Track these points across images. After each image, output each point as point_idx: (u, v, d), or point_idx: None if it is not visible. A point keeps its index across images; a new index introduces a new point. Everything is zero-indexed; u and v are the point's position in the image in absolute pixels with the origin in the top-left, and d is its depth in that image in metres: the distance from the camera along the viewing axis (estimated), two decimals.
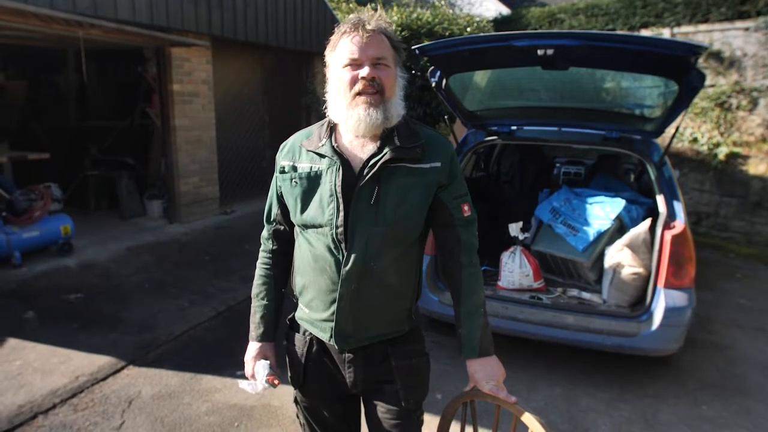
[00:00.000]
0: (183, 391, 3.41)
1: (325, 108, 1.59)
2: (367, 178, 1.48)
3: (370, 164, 1.49)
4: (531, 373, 3.67)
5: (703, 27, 8.35)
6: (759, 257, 6.59)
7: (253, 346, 1.73)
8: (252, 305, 1.76)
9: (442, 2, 9.10)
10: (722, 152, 7.23)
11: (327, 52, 1.55)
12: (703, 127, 7.61)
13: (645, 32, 8.72)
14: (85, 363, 3.64)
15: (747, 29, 8.11)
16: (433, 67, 3.46)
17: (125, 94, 7.68)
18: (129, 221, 6.69)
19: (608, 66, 3.25)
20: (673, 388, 3.55)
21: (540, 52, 2.86)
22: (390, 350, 1.61)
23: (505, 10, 12.03)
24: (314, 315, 1.61)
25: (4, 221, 5.01)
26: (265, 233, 1.77)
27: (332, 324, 1.55)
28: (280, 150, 1.68)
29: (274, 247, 1.75)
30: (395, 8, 8.15)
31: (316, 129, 1.63)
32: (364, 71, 1.46)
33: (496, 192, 5.18)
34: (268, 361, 1.69)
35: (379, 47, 1.48)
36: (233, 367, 3.67)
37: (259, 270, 1.76)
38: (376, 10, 1.56)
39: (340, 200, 1.49)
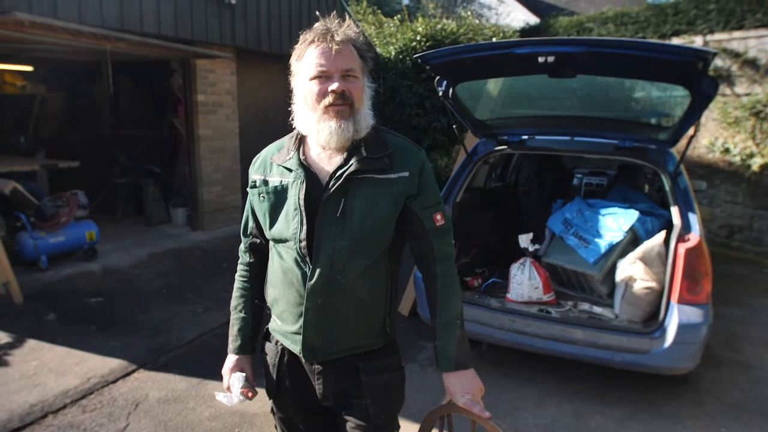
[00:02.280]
0: (188, 396, 3.46)
1: (292, 119, 1.57)
2: (332, 190, 1.46)
3: (336, 176, 1.48)
4: (539, 389, 3.58)
5: (737, 34, 8.05)
6: None
7: (230, 359, 1.72)
8: (231, 318, 1.76)
9: (469, 13, 9.08)
10: (756, 163, 6.94)
11: (292, 61, 1.53)
12: (736, 137, 7.32)
13: (676, 40, 8.47)
14: (98, 365, 3.74)
15: None
16: (439, 77, 3.44)
17: (156, 104, 7.91)
18: (154, 228, 6.87)
19: (616, 73, 3.16)
20: (691, 408, 3.40)
21: (540, 59, 2.80)
22: (361, 365, 1.58)
23: (533, 20, 11.91)
24: (285, 327, 1.60)
25: (32, 226, 5.21)
26: (242, 246, 1.77)
27: (301, 337, 1.54)
28: (252, 164, 1.67)
29: (251, 260, 1.75)
30: (420, 19, 8.18)
31: (287, 141, 1.62)
32: (334, 85, 1.44)
33: (512, 202, 5.10)
34: (244, 374, 1.69)
35: (348, 58, 1.46)
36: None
37: (237, 283, 1.77)
38: (343, 20, 1.54)
39: (304, 214, 1.48)
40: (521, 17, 12.84)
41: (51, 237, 5.31)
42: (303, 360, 1.59)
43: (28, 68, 7.67)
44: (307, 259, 1.48)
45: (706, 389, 3.62)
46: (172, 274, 5.54)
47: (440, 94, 3.55)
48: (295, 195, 1.50)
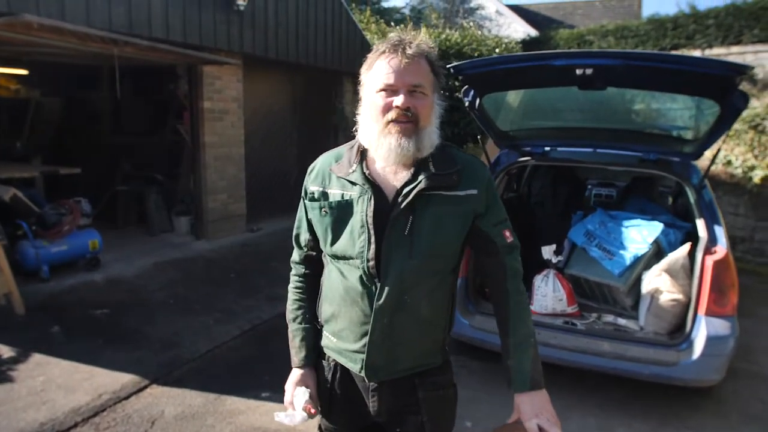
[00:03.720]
0: (206, 412, 3.35)
1: (356, 129, 1.53)
2: (401, 207, 1.42)
3: (404, 193, 1.43)
4: (564, 402, 3.52)
5: (735, 49, 8.20)
6: None
7: (294, 373, 1.65)
8: (289, 330, 1.69)
9: (471, 24, 9.12)
10: (757, 175, 7.02)
11: (362, 71, 1.50)
12: (736, 149, 7.42)
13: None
14: (108, 381, 3.61)
15: None
16: (467, 87, 3.41)
17: (158, 111, 7.82)
18: (156, 237, 6.75)
19: (648, 86, 3.16)
20: (715, 420, 3.38)
21: (579, 71, 2.79)
22: (418, 381, 1.55)
23: (532, 32, 12.03)
24: (343, 345, 1.55)
25: (34, 235, 5.07)
26: (296, 257, 1.72)
27: (363, 356, 1.49)
28: (308, 173, 1.62)
29: (307, 271, 1.70)
30: (424, 29, 8.21)
31: (346, 152, 1.56)
32: (399, 100, 1.39)
33: (527, 213, 5.08)
34: (308, 389, 1.61)
35: (418, 73, 1.41)
36: (258, 388, 3.61)
37: (293, 294, 1.71)
38: (414, 28, 1.50)
39: (372, 232, 1.43)
40: (521, 29, 12.97)
41: (53, 246, 5.17)
42: (359, 377, 1.55)
43: (23, 72, 7.54)
44: (376, 279, 1.43)
45: (727, 401, 3.61)
46: (179, 284, 5.42)
47: (467, 104, 3.52)
48: (362, 211, 1.45)
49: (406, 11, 14.02)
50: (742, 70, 2.66)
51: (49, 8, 4.71)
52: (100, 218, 6.74)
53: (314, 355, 1.66)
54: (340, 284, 1.51)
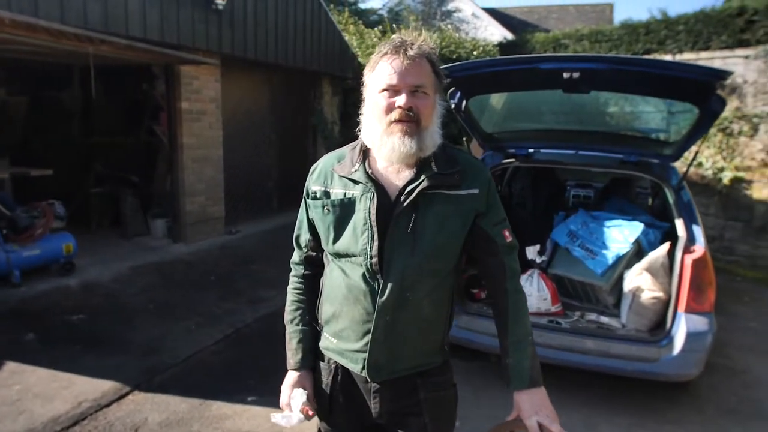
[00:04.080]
0: (192, 418, 3.29)
1: (359, 130, 1.54)
2: (404, 205, 1.43)
3: (407, 191, 1.45)
4: (549, 399, 3.58)
5: (704, 54, 8.46)
6: (765, 281, 6.58)
7: (290, 375, 1.64)
8: (287, 332, 1.68)
9: (449, 26, 9.19)
10: (727, 177, 7.26)
11: (366, 72, 1.51)
12: (706, 151, 7.65)
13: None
14: (88, 388, 3.52)
15: (747, 57, 8.22)
16: (453, 89, 3.44)
17: (131, 111, 7.65)
18: (132, 240, 6.60)
19: (631, 90, 3.24)
20: (693, 414, 3.47)
21: (566, 75, 2.83)
22: (419, 382, 1.55)
23: (510, 35, 12.19)
24: (345, 345, 1.55)
25: (5, 239, 4.91)
26: (296, 258, 1.71)
27: (365, 355, 1.49)
28: (310, 174, 1.62)
29: (307, 272, 1.69)
30: (402, 31, 8.24)
31: (348, 152, 1.57)
32: (401, 100, 1.41)
33: (510, 214, 5.12)
34: (305, 391, 1.61)
35: (420, 74, 1.43)
36: (243, 392, 3.56)
37: (292, 296, 1.70)
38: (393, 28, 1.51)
39: (375, 229, 1.44)
40: (497, 32, 13.13)
41: (25, 250, 5.01)
42: (360, 378, 1.55)
43: None
44: (378, 275, 1.44)
45: (704, 395, 3.71)
46: (158, 288, 5.31)
47: (452, 107, 3.54)
48: (365, 209, 1.46)
49: (384, 13, 14.07)
50: (722, 76, 2.74)
51: (21, 4, 4.58)
52: (73, 221, 6.53)
53: (312, 357, 1.65)
54: (343, 283, 1.51)
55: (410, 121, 1.42)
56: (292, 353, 1.65)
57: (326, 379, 1.61)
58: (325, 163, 1.61)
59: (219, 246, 6.78)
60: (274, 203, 8.51)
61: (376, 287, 1.45)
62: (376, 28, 9.71)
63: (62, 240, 5.29)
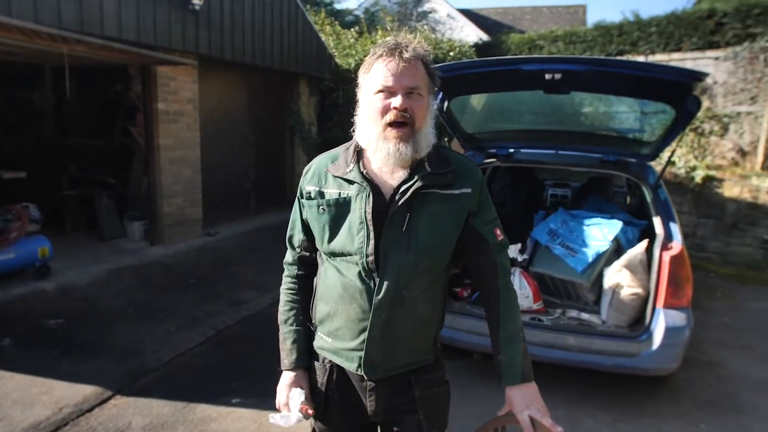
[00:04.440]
0: (176, 422, 3.25)
1: (353, 130, 1.56)
2: (399, 204, 1.45)
3: (401, 191, 1.47)
4: None
5: (676, 55, 8.67)
6: (736, 277, 6.76)
7: (286, 375, 1.65)
8: (280, 332, 1.68)
9: (425, 27, 9.23)
10: (699, 175, 7.45)
11: (360, 73, 1.52)
12: (679, 151, 7.84)
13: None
14: (68, 393, 3.46)
15: (717, 58, 8.46)
16: (436, 90, 3.46)
17: (105, 112, 7.51)
18: (108, 243, 6.47)
19: (610, 91, 3.30)
20: (671, 407, 3.56)
21: (548, 76, 2.88)
22: (413, 379, 1.58)
23: (485, 36, 12.30)
24: (340, 344, 1.56)
25: None
26: (289, 258, 1.72)
27: (361, 353, 1.50)
28: (303, 174, 1.63)
29: (300, 272, 1.70)
30: (380, 32, 8.23)
31: (342, 153, 1.59)
32: (397, 101, 1.43)
33: None
34: (303, 390, 1.61)
35: (415, 76, 1.45)
36: (227, 394, 3.53)
37: (285, 296, 1.70)
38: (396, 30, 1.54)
39: (371, 228, 1.45)
40: (473, 33, 13.24)
41: None
42: (356, 377, 1.56)
43: None
44: (374, 274, 1.46)
45: (681, 389, 3.80)
46: (136, 291, 5.23)
47: (434, 107, 3.56)
48: (361, 208, 1.47)
49: (359, 13, 14.07)
50: (699, 77, 2.82)
51: None
52: (47, 224, 6.38)
53: (307, 357, 1.65)
54: (338, 282, 1.52)
55: (405, 124, 1.44)
56: (287, 353, 1.65)
57: (321, 378, 1.62)
58: (318, 163, 1.62)
59: (197, 248, 6.69)
60: (252, 204, 8.44)
61: (372, 286, 1.46)
62: (352, 29, 9.70)
63: (37, 243, 5.17)
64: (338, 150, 1.61)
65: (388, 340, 1.49)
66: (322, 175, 1.57)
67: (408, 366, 1.56)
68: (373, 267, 1.45)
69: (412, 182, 1.46)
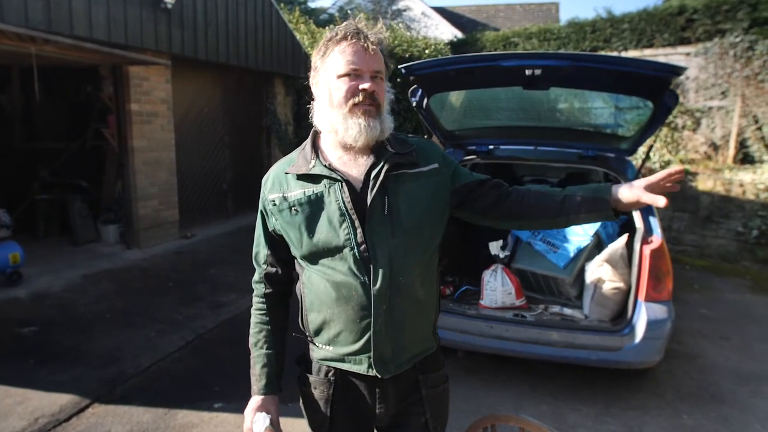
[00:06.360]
0: (157, 429, 3.18)
1: (311, 118, 1.52)
2: (375, 189, 1.42)
3: (373, 175, 1.44)
4: (516, 392, 3.65)
5: (648, 52, 8.81)
6: (712, 269, 6.89)
7: (254, 400, 1.58)
8: (251, 356, 1.62)
9: (400, 25, 9.22)
10: None
11: (316, 57, 1.48)
12: (653, 145, 7.98)
13: None
14: (45, 402, 3.36)
15: (688, 54, 8.62)
16: (415, 87, 3.44)
17: (75, 114, 7.32)
18: (83, 247, 6.32)
19: (589, 86, 3.32)
20: (654, 399, 3.60)
21: (528, 72, 2.88)
22: (420, 378, 1.56)
23: (459, 34, 12.34)
24: (343, 349, 1.49)
25: None
26: (256, 277, 1.65)
27: (368, 353, 1.46)
28: (263, 184, 1.57)
29: (268, 291, 1.63)
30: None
31: (298, 154, 1.55)
32: (367, 84, 1.41)
33: None
34: (269, 415, 1.54)
35: (379, 61, 1.45)
36: (209, 399, 3.47)
37: (254, 317, 1.64)
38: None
39: (354, 217, 1.41)
40: (447, 30, 13.27)
41: None
42: (364, 382, 1.52)
43: None
44: (370, 264, 1.41)
45: (663, 381, 3.85)
46: (113, 296, 5.11)
47: (414, 104, 3.55)
48: (338, 200, 1.43)
49: (334, 11, 13.99)
50: (678, 71, 2.85)
51: None
52: (18, 230, 6.21)
53: (277, 382, 1.61)
54: (328, 285, 1.46)
55: (372, 105, 1.42)
56: (256, 379, 1.59)
57: (325, 393, 1.56)
58: (276, 170, 1.57)
59: (175, 251, 6.58)
60: (229, 206, 8.33)
61: (367, 279, 1.42)
62: (327, 27, 9.65)
63: (8, 249, 5.02)
64: (293, 153, 1.58)
65: (393, 331, 1.45)
66: (283, 180, 1.52)
67: (414, 359, 1.53)
68: (366, 256, 1.41)
69: (380, 165, 1.44)
